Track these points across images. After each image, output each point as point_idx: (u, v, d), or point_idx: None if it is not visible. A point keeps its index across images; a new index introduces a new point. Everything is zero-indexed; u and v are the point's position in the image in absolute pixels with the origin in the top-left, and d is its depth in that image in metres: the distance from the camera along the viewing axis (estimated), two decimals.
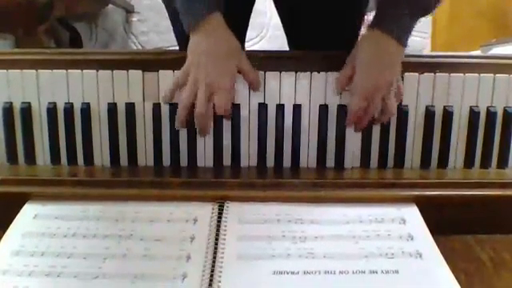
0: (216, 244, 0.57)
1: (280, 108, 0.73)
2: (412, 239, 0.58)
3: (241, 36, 0.95)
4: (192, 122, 0.70)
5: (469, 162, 0.74)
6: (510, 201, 0.65)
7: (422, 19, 0.73)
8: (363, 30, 0.81)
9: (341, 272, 0.53)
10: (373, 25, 0.72)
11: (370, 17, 0.74)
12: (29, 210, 0.62)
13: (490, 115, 0.73)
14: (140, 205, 0.62)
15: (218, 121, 0.72)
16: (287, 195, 0.65)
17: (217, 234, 0.58)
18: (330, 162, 0.74)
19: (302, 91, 0.73)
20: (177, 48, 0.92)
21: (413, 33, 0.72)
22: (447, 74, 0.73)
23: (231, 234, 0.58)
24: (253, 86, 0.72)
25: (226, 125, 0.72)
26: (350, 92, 0.71)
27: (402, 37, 0.70)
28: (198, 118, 0.68)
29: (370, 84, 0.69)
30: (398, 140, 0.73)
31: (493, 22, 1.78)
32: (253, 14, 0.96)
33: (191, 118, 0.69)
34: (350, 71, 0.71)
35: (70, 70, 0.72)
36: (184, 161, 0.73)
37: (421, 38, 1.98)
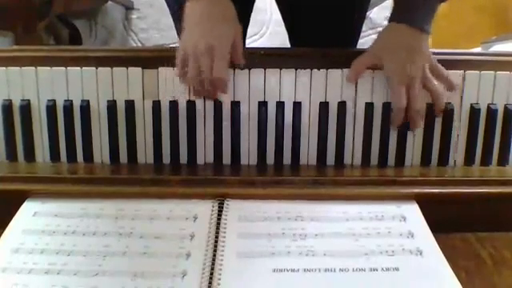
0: (216, 242, 0.56)
1: (280, 105, 0.72)
2: (412, 237, 0.58)
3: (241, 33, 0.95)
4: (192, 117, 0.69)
5: (469, 159, 0.74)
6: (511, 198, 0.65)
7: None
8: (366, 28, 0.81)
9: (341, 270, 0.53)
10: (392, 18, 0.72)
11: (371, 14, 0.74)
12: (28, 208, 0.62)
13: (491, 112, 0.73)
14: (140, 202, 0.62)
15: (217, 118, 0.72)
16: (287, 193, 0.64)
17: (217, 232, 0.58)
18: (330, 159, 0.74)
19: (302, 88, 0.72)
20: (177, 45, 0.91)
21: None
22: (447, 71, 0.73)
23: (231, 232, 0.58)
24: (236, 60, 0.70)
25: (226, 122, 0.72)
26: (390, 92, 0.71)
27: (423, 25, 0.70)
28: (208, 84, 0.67)
29: (402, 71, 0.69)
30: (398, 137, 0.73)
31: (493, 18, 1.78)
32: (253, 11, 0.96)
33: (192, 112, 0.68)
34: (369, 60, 0.71)
35: (69, 67, 0.72)
36: (184, 158, 0.73)
37: None
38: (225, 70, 0.68)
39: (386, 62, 0.70)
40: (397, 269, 0.53)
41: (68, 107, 0.72)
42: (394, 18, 0.72)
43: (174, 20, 0.89)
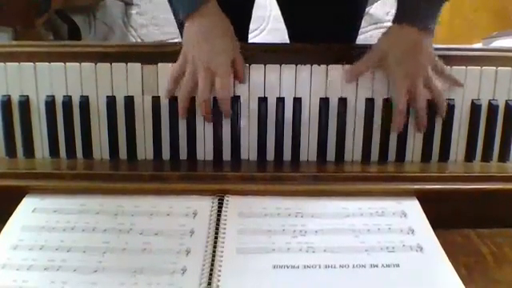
0: (216, 238, 0.56)
1: (280, 101, 0.72)
2: (413, 233, 0.57)
3: (244, 29, 0.95)
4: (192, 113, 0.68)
5: (470, 155, 0.74)
6: (511, 194, 0.65)
7: None
8: (366, 24, 0.80)
9: (341, 266, 0.52)
10: (395, 20, 0.71)
11: (371, 9, 0.74)
12: (27, 204, 0.61)
13: (492, 108, 0.73)
14: (139, 199, 0.62)
15: (217, 114, 0.71)
16: (287, 189, 0.64)
17: (217, 228, 0.58)
18: (331, 155, 0.73)
19: (302, 84, 0.72)
20: (176, 40, 0.91)
21: None
22: (449, 67, 0.72)
23: (231, 228, 0.58)
24: (239, 77, 0.71)
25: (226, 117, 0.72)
26: (391, 93, 0.71)
27: (426, 26, 0.69)
28: (204, 105, 0.68)
29: (407, 73, 0.69)
30: (398, 133, 0.73)
31: (494, 14, 1.77)
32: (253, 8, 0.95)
33: (192, 108, 0.68)
34: (372, 61, 0.71)
35: (68, 63, 0.72)
36: (183, 154, 0.73)
37: None
38: (229, 88, 0.68)
39: (388, 64, 0.70)
40: (397, 265, 0.53)
41: (67, 103, 0.72)
42: (398, 18, 0.72)
43: (174, 14, 0.88)
